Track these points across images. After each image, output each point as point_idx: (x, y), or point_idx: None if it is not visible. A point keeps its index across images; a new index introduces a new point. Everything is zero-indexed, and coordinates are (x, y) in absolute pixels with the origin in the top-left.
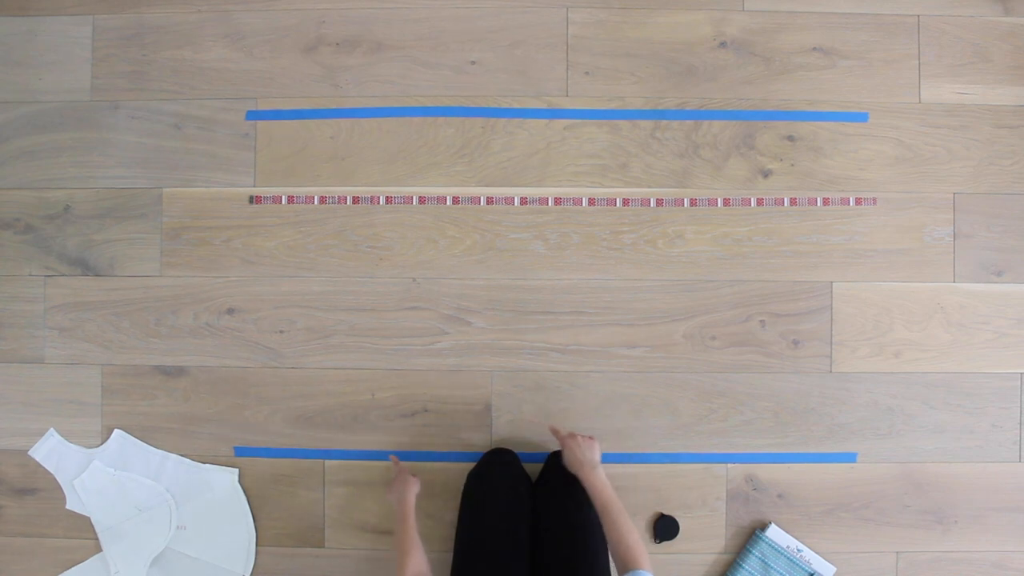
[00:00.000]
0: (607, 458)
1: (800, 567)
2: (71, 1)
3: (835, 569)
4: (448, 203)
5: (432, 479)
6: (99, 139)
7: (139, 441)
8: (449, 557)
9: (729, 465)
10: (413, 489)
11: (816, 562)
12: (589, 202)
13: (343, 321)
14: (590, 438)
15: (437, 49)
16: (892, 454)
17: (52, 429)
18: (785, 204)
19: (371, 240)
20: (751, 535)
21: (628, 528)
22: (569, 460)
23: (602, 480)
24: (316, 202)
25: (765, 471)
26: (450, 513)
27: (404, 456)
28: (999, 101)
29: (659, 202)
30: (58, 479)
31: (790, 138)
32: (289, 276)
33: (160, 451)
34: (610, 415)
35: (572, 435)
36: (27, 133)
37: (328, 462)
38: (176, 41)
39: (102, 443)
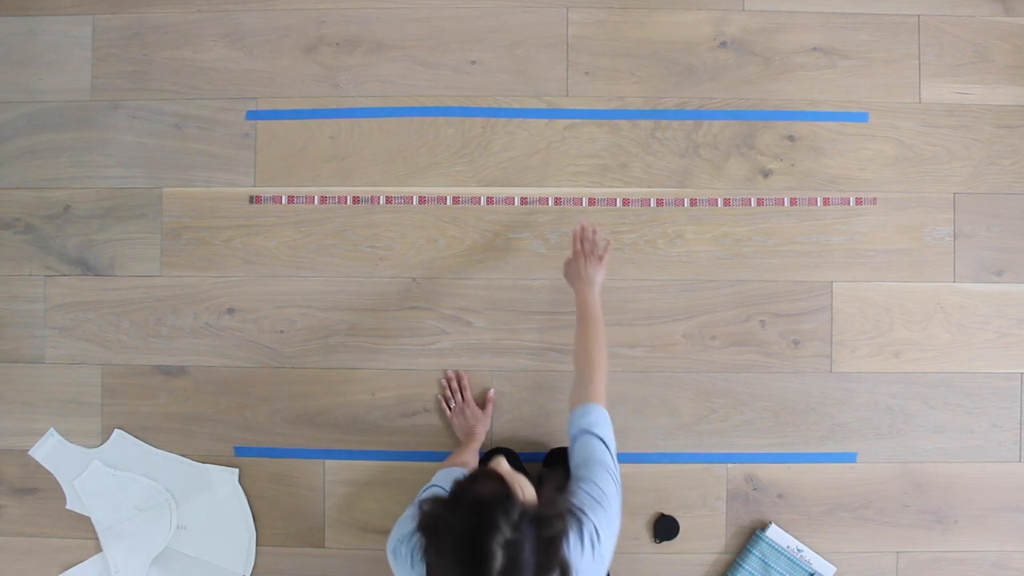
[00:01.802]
0: None
1: (800, 567)
2: (71, 1)
3: (835, 569)
4: (448, 203)
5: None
6: (99, 139)
7: (139, 441)
8: None
9: (729, 465)
10: (483, 428)
11: (816, 562)
12: (589, 202)
13: (343, 321)
14: (600, 259)
15: (437, 49)
16: (892, 454)
17: (52, 429)
18: (785, 204)
19: (371, 240)
20: (751, 535)
21: (597, 342)
22: (570, 272)
23: (594, 297)
24: (316, 202)
25: (765, 471)
26: None
27: (404, 456)
28: (999, 101)
29: (659, 202)
30: (58, 479)
31: (790, 138)
32: (289, 276)
33: (160, 451)
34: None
35: (590, 252)
36: (27, 133)
37: (328, 462)
38: (176, 41)
39: (102, 443)
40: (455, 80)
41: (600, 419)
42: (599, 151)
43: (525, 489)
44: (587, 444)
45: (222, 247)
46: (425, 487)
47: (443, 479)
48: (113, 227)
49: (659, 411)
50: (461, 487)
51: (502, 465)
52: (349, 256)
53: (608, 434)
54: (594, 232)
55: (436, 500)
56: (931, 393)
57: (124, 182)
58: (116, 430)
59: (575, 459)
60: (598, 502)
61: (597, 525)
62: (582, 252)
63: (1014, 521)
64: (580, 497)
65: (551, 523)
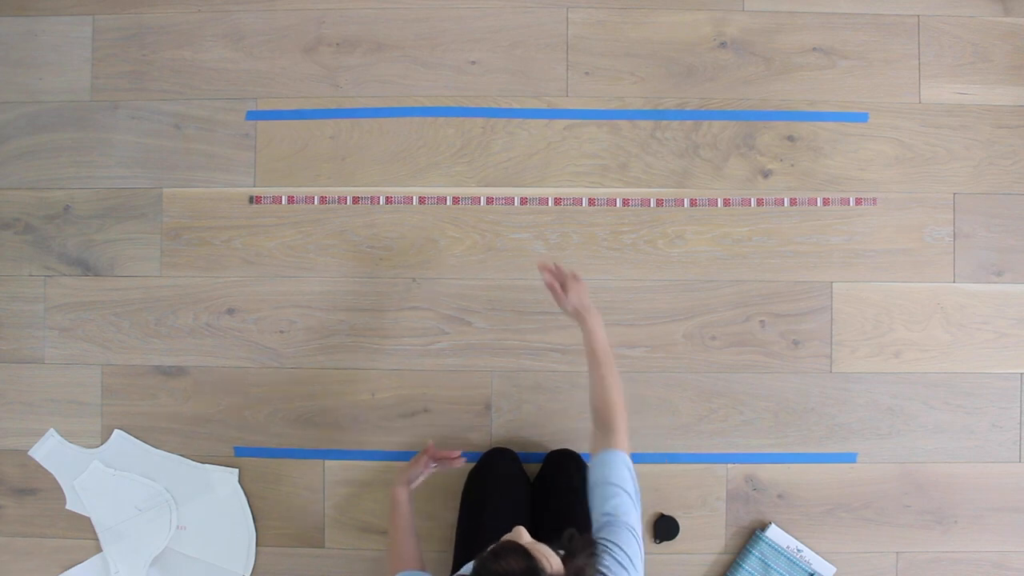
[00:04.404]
0: None
1: (800, 567)
2: (71, 1)
3: (835, 569)
4: (448, 203)
5: (431, 479)
6: (99, 139)
7: (139, 441)
8: (449, 557)
9: (729, 465)
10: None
11: (816, 562)
12: (589, 202)
13: (343, 321)
14: (575, 277)
15: (437, 49)
16: (892, 454)
17: (52, 429)
18: (785, 204)
19: (371, 240)
20: (751, 535)
21: (615, 383)
22: (566, 304)
23: (601, 325)
24: (316, 202)
25: (765, 471)
26: (450, 513)
27: (404, 456)
28: (999, 101)
29: (659, 202)
30: (58, 479)
31: (790, 138)
32: (289, 276)
33: (160, 451)
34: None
35: (562, 276)
36: (27, 133)
37: (328, 462)
38: (176, 41)
39: (102, 443)
40: (455, 80)
41: (623, 469)
42: (599, 151)
43: (551, 560)
44: (610, 498)
45: (222, 247)
46: None
47: None
48: (113, 227)
49: (659, 411)
50: (484, 565)
51: (523, 536)
52: (349, 256)
53: (631, 485)
54: (555, 265)
55: None
56: (931, 393)
57: (124, 182)
58: (116, 430)
59: (596, 511)
60: (624, 568)
61: None
62: (555, 280)
63: (1014, 521)
64: (606, 561)
65: None
